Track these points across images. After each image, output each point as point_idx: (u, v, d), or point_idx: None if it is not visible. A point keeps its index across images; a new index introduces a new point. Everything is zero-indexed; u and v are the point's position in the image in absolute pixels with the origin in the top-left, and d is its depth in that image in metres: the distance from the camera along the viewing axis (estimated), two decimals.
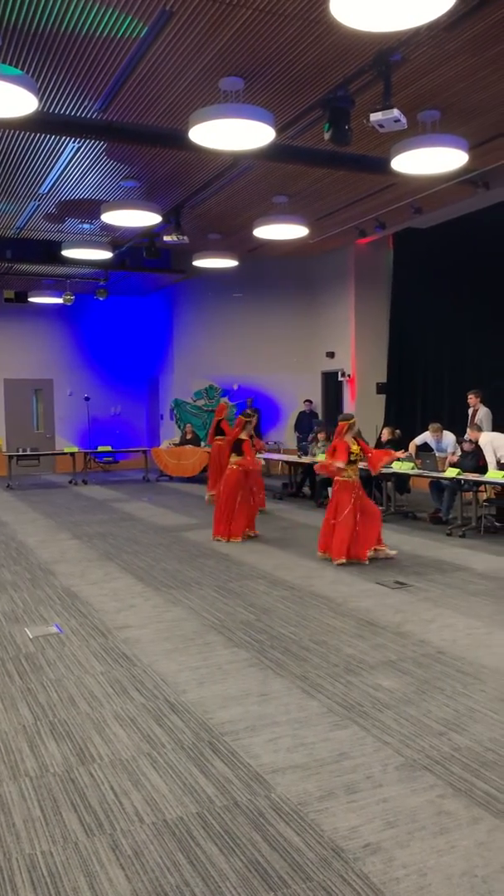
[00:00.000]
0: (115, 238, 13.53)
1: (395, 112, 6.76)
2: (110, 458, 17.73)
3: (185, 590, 6.68)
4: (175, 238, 11.57)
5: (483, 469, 9.30)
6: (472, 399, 10.91)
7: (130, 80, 7.33)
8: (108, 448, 16.73)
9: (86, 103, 7.85)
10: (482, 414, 10.76)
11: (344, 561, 7.52)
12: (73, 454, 16.04)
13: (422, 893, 2.52)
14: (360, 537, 7.64)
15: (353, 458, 7.79)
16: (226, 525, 8.92)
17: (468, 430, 9.95)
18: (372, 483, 11.12)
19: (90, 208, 11.63)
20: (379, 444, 11.64)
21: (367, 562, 7.55)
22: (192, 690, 4.35)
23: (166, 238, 11.81)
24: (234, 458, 9.06)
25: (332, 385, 17.03)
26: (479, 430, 9.76)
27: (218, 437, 12.42)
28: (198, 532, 9.55)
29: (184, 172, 10.18)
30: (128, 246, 13.85)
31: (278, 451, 15.76)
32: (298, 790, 3.20)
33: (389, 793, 3.16)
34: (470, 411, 11.01)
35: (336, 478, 7.83)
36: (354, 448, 7.81)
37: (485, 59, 7.06)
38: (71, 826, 2.98)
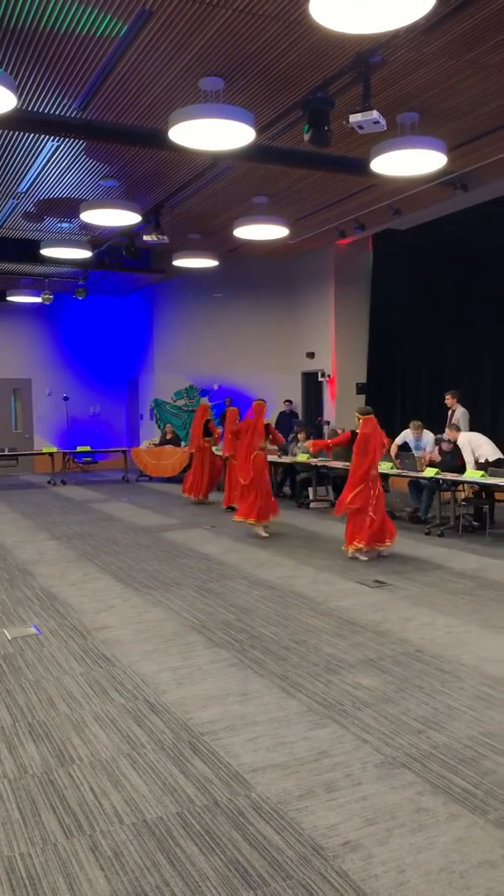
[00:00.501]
0: (95, 237, 13.47)
1: (375, 114, 6.80)
2: (89, 459, 17.65)
3: (165, 590, 6.66)
4: (155, 238, 11.55)
5: (461, 469, 9.38)
6: (449, 400, 10.99)
7: (110, 79, 7.30)
8: (88, 448, 16.65)
9: (65, 102, 7.81)
10: (459, 414, 10.85)
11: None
12: (51, 454, 15.94)
13: (400, 890, 2.54)
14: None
15: None
16: (264, 506, 9.15)
17: (447, 429, 10.03)
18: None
19: (69, 207, 11.57)
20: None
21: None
22: (172, 691, 4.34)
23: (146, 237, 11.77)
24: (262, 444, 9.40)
25: (312, 385, 17.09)
26: (458, 429, 9.84)
27: (206, 438, 12.41)
28: (178, 532, 9.53)
29: (164, 172, 10.16)
30: (107, 245, 13.80)
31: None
32: (278, 789, 3.21)
33: (368, 791, 3.18)
34: (449, 412, 11.11)
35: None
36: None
37: (463, 62, 7.12)
38: (50, 827, 2.97)
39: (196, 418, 12.70)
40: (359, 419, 8.08)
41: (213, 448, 12.55)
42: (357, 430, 8.04)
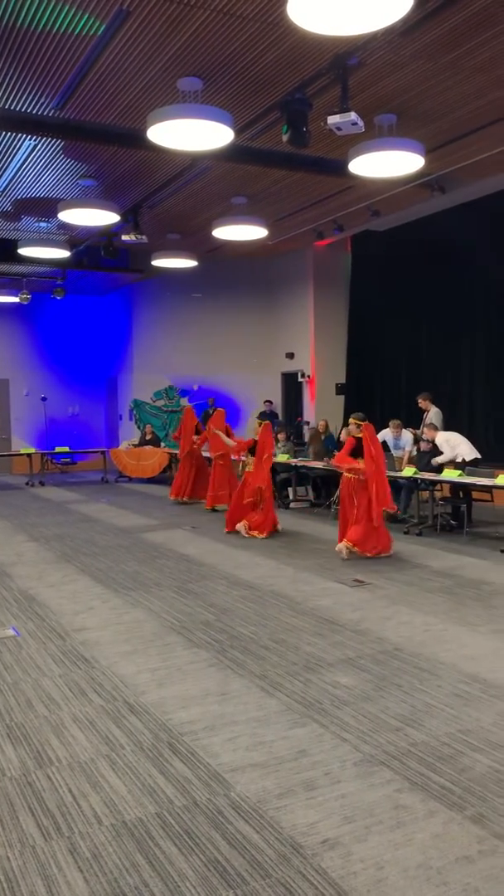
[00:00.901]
0: (73, 237, 13.40)
1: (353, 115, 6.83)
2: (68, 460, 17.54)
3: (145, 591, 6.65)
4: (133, 237, 11.51)
5: (440, 468, 9.45)
6: (422, 402, 11.20)
7: (88, 78, 7.27)
8: (66, 449, 16.56)
9: (42, 101, 7.76)
10: (432, 414, 11.07)
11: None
12: (29, 455, 15.84)
13: (379, 886, 2.56)
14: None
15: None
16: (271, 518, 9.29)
17: (424, 429, 10.10)
18: (330, 482, 11.22)
19: (47, 206, 11.50)
20: (339, 444, 11.76)
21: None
22: (152, 691, 4.34)
23: (124, 237, 11.73)
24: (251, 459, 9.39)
25: (291, 385, 17.12)
26: (436, 428, 9.91)
27: (196, 438, 12.39)
28: (158, 533, 9.51)
29: (142, 172, 10.14)
30: (85, 245, 13.74)
31: None
32: (257, 788, 3.22)
33: (347, 789, 3.20)
34: (424, 415, 11.29)
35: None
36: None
37: (440, 64, 7.17)
38: (28, 830, 2.95)
39: (186, 421, 12.59)
40: (359, 426, 8.15)
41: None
42: (358, 436, 8.10)
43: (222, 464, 11.20)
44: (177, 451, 15.09)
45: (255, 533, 9.16)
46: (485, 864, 2.67)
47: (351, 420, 8.26)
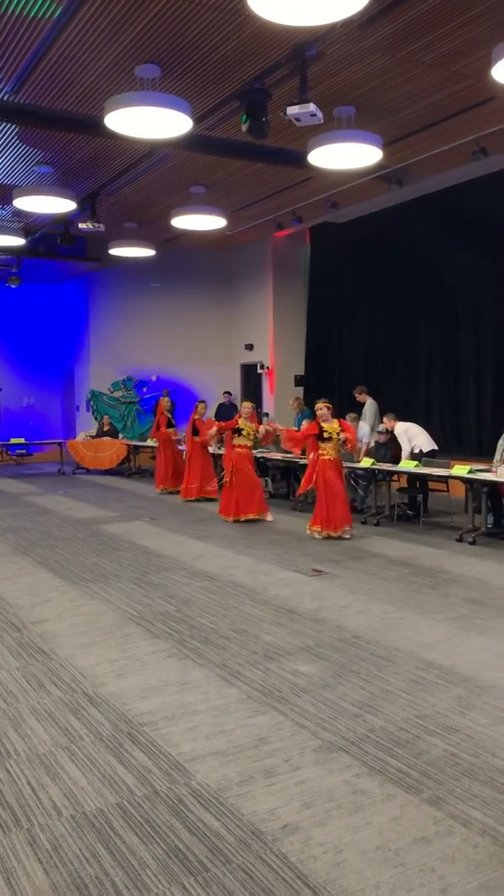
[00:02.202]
0: (28, 224, 13.18)
1: (312, 106, 6.85)
2: (24, 451, 17.30)
3: (103, 583, 6.61)
4: (90, 226, 11.38)
5: (397, 458, 9.57)
6: (359, 396, 11.74)
7: (44, 62, 7.15)
8: (22, 440, 16.33)
9: None
10: (368, 405, 11.55)
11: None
12: None
13: (338, 869, 2.60)
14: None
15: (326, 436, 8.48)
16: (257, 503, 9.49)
17: (384, 418, 10.22)
18: (290, 473, 11.28)
19: (1, 193, 11.29)
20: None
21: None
22: (111, 682, 4.32)
23: (81, 225, 11.59)
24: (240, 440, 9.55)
25: (251, 377, 17.13)
26: (395, 419, 10.02)
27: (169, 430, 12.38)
28: (116, 525, 9.45)
29: (99, 159, 10.01)
30: (41, 232, 13.53)
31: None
32: (218, 776, 3.23)
33: (307, 775, 3.23)
34: (363, 407, 11.68)
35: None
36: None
37: (397, 58, 7.23)
38: None
39: (160, 413, 12.57)
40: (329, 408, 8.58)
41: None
42: (321, 423, 8.42)
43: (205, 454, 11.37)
44: (140, 443, 15.05)
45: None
46: (441, 844, 2.73)
47: (323, 405, 8.60)
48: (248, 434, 9.52)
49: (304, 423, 11.53)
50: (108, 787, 3.17)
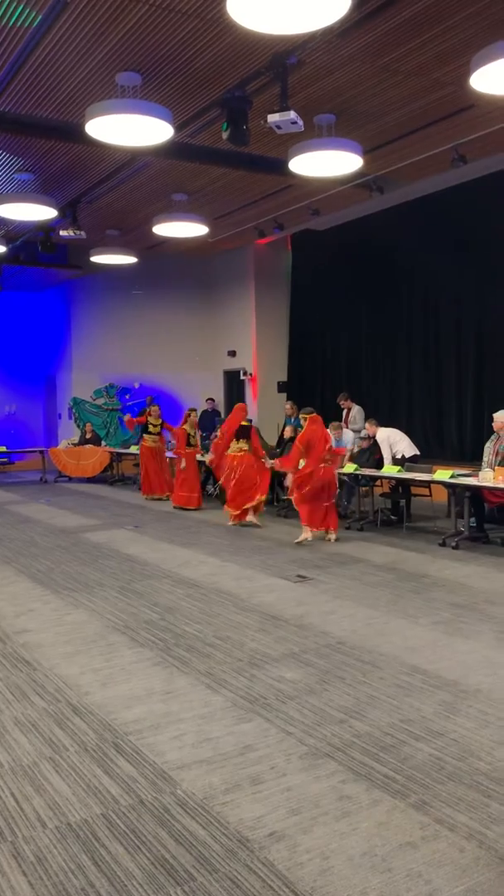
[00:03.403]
0: (9, 232, 13.12)
1: (292, 114, 6.88)
2: (5, 460, 17.16)
3: (87, 592, 6.57)
4: (72, 233, 11.36)
5: (380, 464, 9.60)
6: (343, 403, 11.86)
7: (24, 69, 7.14)
8: (3, 448, 16.20)
9: None
10: (356, 411, 11.65)
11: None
12: None
13: (325, 875, 2.59)
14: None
15: None
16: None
17: (366, 424, 10.26)
18: (275, 480, 11.27)
19: None
20: (280, 442, 11.86)
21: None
22: (96, 692, 4.29)
23: (62, 233, 11.57)
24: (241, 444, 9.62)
25: (234, 384, 17.14)
26: (377, 424, 10.07)
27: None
28: (99, 533, 9.40)
29: (80, 166, 10.00)
30: (22, 240, 13.47)
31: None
32: (204, 784, 3.22)
33: (293, 781, 3.23)
34: (344, 413, 11.77)
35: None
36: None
37: (376, 66, 7.28)
38: None
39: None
40: (305, 419, 8.67)
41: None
42: (285, 436, 8.58)
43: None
44: (123, 450, 14.98)
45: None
46: (427, 849, 2.73)
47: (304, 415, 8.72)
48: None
49: (288, 429, 11.59)
50: (93, 798, 3.15)
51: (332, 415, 12.06)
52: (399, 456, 9.65)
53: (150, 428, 12.57)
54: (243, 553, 8.05)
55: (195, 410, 12.23)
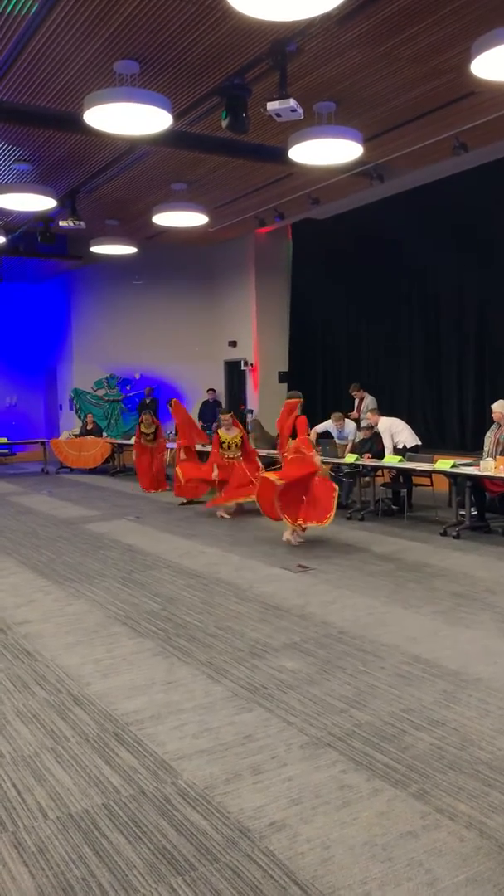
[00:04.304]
0: (8, 222, 13.08)
1: (292, 102, 6.84)
2: (7, 451, 17.16)
3: (88, 582, 6.58)
4: (71, 223, 11.32)
5: (381, 454, 9.58)
6: (356, 393, 11.97)
7: (21, 58, 7.08)
8: (5, 440, 16.20)
9: None
10: (368, 401, 11.67)
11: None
12: None
13: (325, 865, 2.59)
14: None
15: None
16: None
17: (368, 413, 10.25)
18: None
19: None
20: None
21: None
22: (97, 682, 4.30)
23: (62, 223, 11.52)
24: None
25: (235, 374, 17.11)
26: (378, 413, 10.05)
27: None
28: (100, 524, 9.41)
29: (79, 156, 9.95)
30: (21, 230, 13.43)
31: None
32: (204, 774, 3.22)
33: (293, 771, 3.23)
34: (356, 402, 11.74)
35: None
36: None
37: (376, 54, 7.22)
38: None
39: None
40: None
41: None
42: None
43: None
44: (125, 441, 14.95)
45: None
46: (428, 838, 2.73)
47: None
48: (231, 445, 9.56)
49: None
50: (95, 788, 3.15)
51: (333, 404, 12.05)
52: (400, 446, 9.63)
53: (143, 436, 12.39)
54: (244, 543, 8.05)
55: (231, 413, 11.66)
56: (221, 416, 9.94)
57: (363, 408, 11.62)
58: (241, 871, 2.58)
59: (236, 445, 9.69)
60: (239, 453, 9.70)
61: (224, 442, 9.61)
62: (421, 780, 3.14)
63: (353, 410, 12.06)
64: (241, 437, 9.81)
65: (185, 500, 10.73)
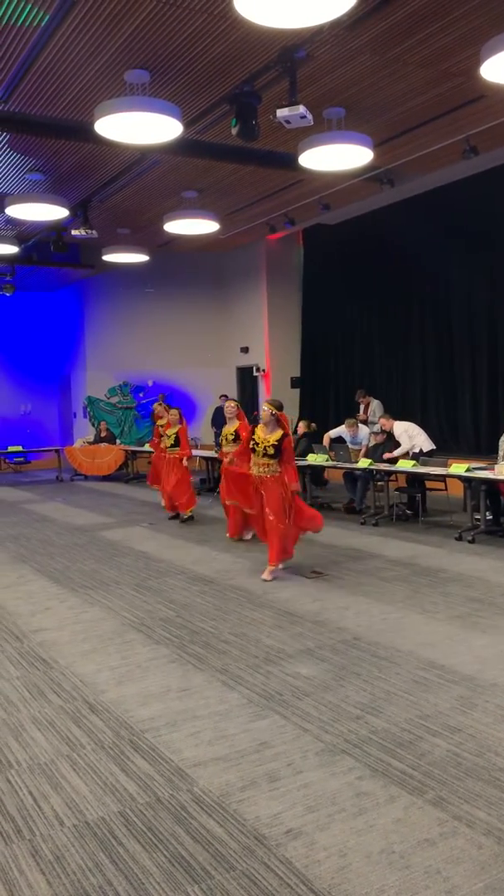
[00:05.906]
0: (22, 232, 13.18)
1: (302, 108, 6.86)
2: (21, 459, 17.27)
3: (103, 590, 6.59)
4: (83, 232, 11.39)
5: (395, 459, 9.55)
6: (362, 399, 11.95)
7: (33, 69, 7.15)
8: (19, 448, 16.29)
9: None
10: (375, 405, 11.68)
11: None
12: None
13: (343, 873, 2.58)
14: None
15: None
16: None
17: (381, 419, 10.24)
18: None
19: None
20: (295, 437, 11.82)
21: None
22: (112, 690, 4.30)
23: (74, 232, 11.59)
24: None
25: (247, 380, 17.13)
26: (391, 418, 10.03)
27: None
28: (115, 531, 9.43)
29: (91, 165, 10.02)
30: (35, 240, 13.52)
31: (195, 447, 15.71)
32: (220, 782, 3.22)
33: (310, 778, 3.22)
34: (362, 408, 11.88)
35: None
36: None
37: (386, 59, 7.23)
38: None
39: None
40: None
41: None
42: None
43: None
44: (138, 448, 14.99)
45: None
46: (445, 846, 2.71)
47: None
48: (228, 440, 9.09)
49: (301, 425, 11.55)
50: (110, 796, 3.15)
51: (345, 408, 12.04)
52: (417, 450, 9.61)
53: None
54: (257, 549, 8.04)
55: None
56: (227, 405, 9.08)
57: (370, 412, 11.64)
58: (257, 879, 2.58)
59: (233, 440, 8.77)
60: (232, 448, 8.77)
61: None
62: (438, 786, 3.12)
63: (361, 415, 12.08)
64: (236, 431, 8.76)
65: (171, 515, 10.11)
